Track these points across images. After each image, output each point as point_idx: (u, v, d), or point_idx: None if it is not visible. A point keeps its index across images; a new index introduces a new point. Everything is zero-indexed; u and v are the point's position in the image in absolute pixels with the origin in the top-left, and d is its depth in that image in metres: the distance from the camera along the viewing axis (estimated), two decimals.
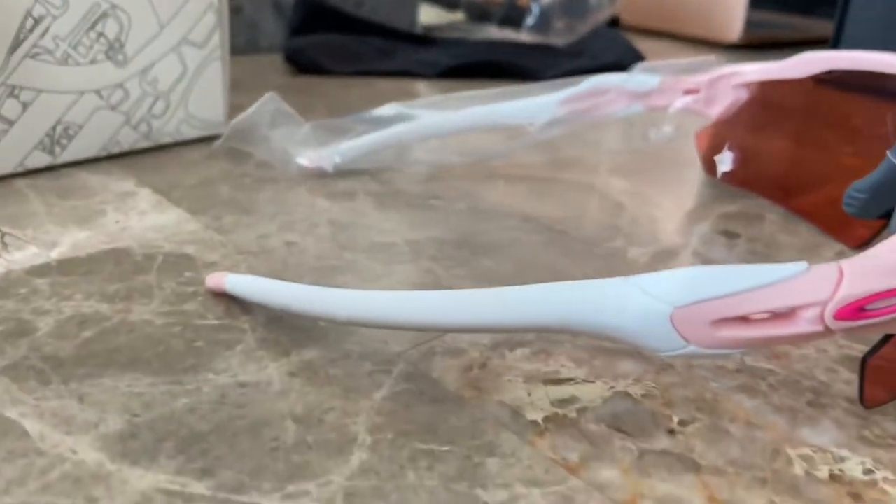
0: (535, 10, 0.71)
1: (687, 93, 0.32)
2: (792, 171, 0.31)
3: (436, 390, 0.17)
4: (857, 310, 0.14)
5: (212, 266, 0.23)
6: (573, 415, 0.17)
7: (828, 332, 0.15)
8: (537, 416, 0.17)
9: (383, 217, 0.27)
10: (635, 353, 0.19)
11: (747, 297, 0.14)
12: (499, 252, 0.25)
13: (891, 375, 0.18)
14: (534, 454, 0.16)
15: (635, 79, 0.32)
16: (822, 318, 0.14)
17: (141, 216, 0.26)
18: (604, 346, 0.20)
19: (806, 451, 0.16)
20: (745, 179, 0.33)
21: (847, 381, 0.19)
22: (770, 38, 0.83)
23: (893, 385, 0.18)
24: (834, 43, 0.57)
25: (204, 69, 0.32)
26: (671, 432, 0.17)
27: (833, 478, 0.16)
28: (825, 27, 0.84)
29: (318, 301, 0.18)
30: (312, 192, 0.29)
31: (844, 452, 0.16)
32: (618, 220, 0.29)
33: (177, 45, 0.31)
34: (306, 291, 0.18)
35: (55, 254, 0.23)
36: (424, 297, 0.17)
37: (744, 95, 0.31)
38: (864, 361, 0.17)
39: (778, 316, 0.15)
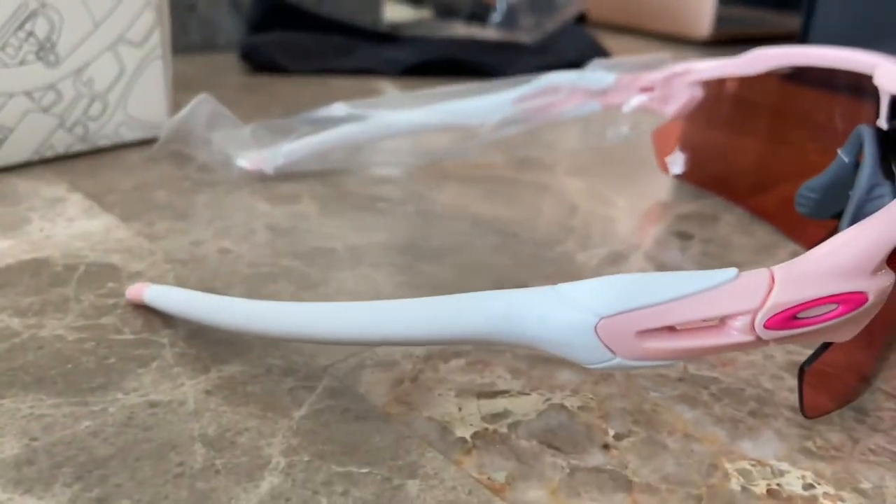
0: (502, 6, 0.70)
1: (642, 90, 0.31)
2: (749, 170, 0.30)
3: (361, 407, 0.17)
4: (789, 318, 0.14)
5: (136, 276, 0.21)
6: (504, 430, 0.16)
7: (759, 341, 0.14)
8: (466, 433, 0.16)
9: (326, 221, 0.26)
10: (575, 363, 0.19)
11: (674, 306, 0.14)
12: (444, 257, 0.24)
13: (835, 382, 0.17)
14: (458, 474, 0.15)
15: (590, 76, 0.32)
16: (752, 327, 0.14)
17: (68, 223, 0.25)
18: (544, 356, 0.19)
19: (744, 464, 0.16)
20: (702, 179, 0.32)
21: (791, 389, 0.18)
22: (740, 34, 0.83)
23: (838, 392, 0.18)
24: (801, 38, 0.57)
25: (143, 69, 0.31)
26: (605, 447, 0.16)
27: (770, 493, 0.15)
28: (796, 22, 0.84)
29: (235, 313, 0.17)
30: (254, 196, 0.28)
31: (784, 466, 0.16)
32: (571, 222, 0.28)
33: (113, 44, 0.30)
34: (225, 303, 0.17)
35: None
36: (341, 309, 0.16)
37: (699, 93, 0.30)
38: (801, 370, 0.16)
39: (707, 325, 0.14)
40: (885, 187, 0.20)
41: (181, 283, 0.21)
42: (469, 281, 0.23)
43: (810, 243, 0.27)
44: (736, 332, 0.14)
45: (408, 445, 0.15)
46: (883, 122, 0.21)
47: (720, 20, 0.80)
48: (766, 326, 0.14)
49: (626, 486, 0.15)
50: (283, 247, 0.24)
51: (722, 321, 0.14)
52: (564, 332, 0.14)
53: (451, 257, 0.24)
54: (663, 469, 0.15)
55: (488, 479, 0.15)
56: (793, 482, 0.15)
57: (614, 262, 0.25)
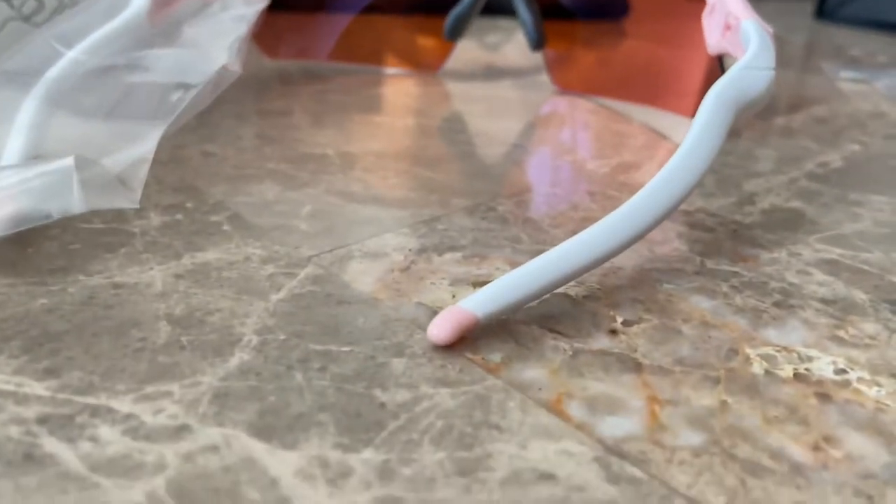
0: None
1: None
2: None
3: (346, 292, 0.15)
4: None
5: None
6: (502, 315, 0.15)
7: None
8: None
9: (318, 132, 0.25)
10: None
11: None
12: (443, 164, 0.23)
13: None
14: (449, 354, 0.13)
15: None
16: None
17: None
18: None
19: (768, 350, 0.14)
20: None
21: (821, 283, 0.17)
22: None
23: None
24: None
25: None
26: (613, 332, 0.14)
27: (798, 377, 0.13)
28: None
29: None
30: (241, 107, 0.27)
31: (813, 352, 0.14)
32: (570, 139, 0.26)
33: None
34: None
35: None
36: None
37: None
38: None
39: None
40: None
41: (159, 182, 0.20)
42: (471, 184, 0.21)
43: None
44: None
45: (395, 327, 0.14)
46: None
47: None
48: None
49: (635, 367, 0.13)
50: (270, 152, 0.23)
51: None
52: None
53: (451, 163, 0.23)
54: (677, 353, 0.14)
55: (483, 359, 0.13)
56: (823, 367, 0.14)
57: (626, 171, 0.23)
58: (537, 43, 0.29)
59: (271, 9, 0.27)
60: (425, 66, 0.33)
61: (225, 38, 0.22)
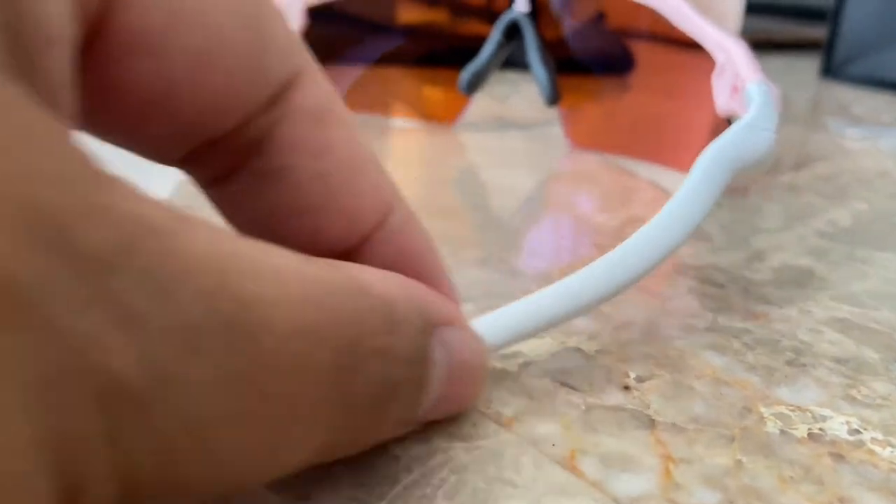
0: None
1: None
2: None
3: None
4: None
5: None
6: (514, 369, 0.15)
7: None
8: None
9: None
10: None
11: None
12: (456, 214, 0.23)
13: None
14: None
15: None
16: None
17: None
18: None
19: (781, 409, 0.14)
20: None
21: (832, 342, 0.17)
22: (764, 40, 0.81)
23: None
24: (828, 47, 0.56)
25: None
26: (626, 388, 0.14)
27: (812, 437, 0.13)
28: (822, 32, 0.83)
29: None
30: None
31: (826, 412, 0.14)
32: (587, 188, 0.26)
33: None
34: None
35: None
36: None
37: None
38: None
39: None
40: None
41: None
42: (483, 236, 0.21)
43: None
44: None
45: None
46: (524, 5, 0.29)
47: (745, 31, 0.79)
48: None
49: (649, 424, 0.13)
50: None
51: None
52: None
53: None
54: (690, 410, 0.14)
55: (496, 412, 0.13)
56: (836, 427, 0.14)
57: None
58: (552, 99, 0.30)
59: None
60: (440, 118, 0.34)
61: None
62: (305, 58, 0.11)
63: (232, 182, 0.12)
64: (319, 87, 0.11)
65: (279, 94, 0.11)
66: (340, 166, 0.11)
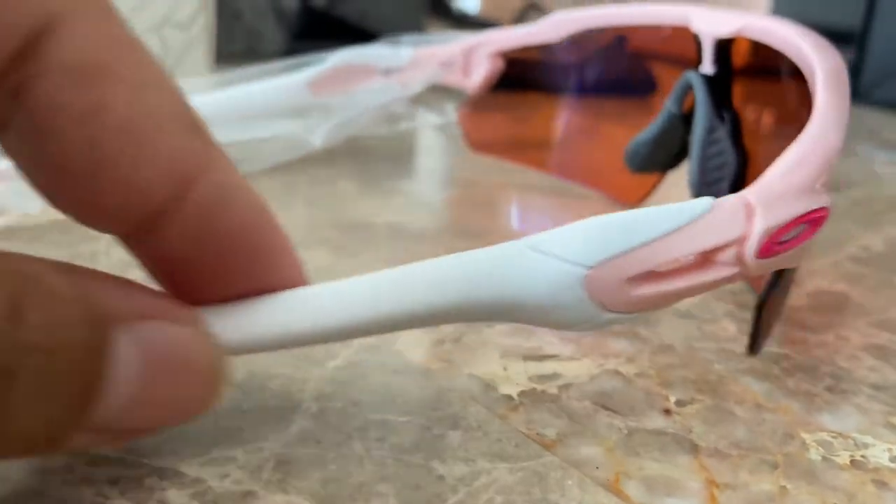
0: None
1: (442, 66, 0.28)
2: (554, 137, 0.28)
3: (399, 361, 0.15)
4: (775, 243, 0.13)
5: None
6: (553, 391, 0.15)
7: (745, 272, 0.13)
8: (512, 391, 0.15)
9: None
10: (630, 331, 0.17)
11: (658, 245, 0.12)
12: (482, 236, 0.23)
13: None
14: (504, 428, 0.13)
15: (384, 52, 0.29)
16: (740, 257, 0.13)
17: None
18: None
19: (823, 436, 0.14)
20: (512, 153, 0.29)
21: (871, 368, 0.17)
22: None
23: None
24: (854, 70, 0.56)
25: (188, 53, 0.31)
26: (667, 412, 0.14)
27: (854, 464, 0.13)
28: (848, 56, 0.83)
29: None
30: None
31: (868, 439, 0.14)
32: None
33: (158, 26, 0.30)
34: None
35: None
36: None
37: (500, 65, 0.27)
38: (759, 307, 0.15)
39: (689, 263, 0.13)
40: (722, 130, 0.20)
41: None
42: None
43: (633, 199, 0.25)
44: (724, 266, 0.13)
45: (449, 398, 0.14)
46: (708, 68, 0.21)
47: None
48: (757, 256, 0.13)
49: (692, 449, 0.13)
50: (321, 219, 0.23)
51: (705, 256, 0.13)
52: (550, 290, 0.12)
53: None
54: (732, 435, 0.14)
55: (538, 434, 0.13)
56: (879, 454, 0.14)
57: None
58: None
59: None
60: (628, 197, 0.26)
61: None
62: (69, 2, 0.10)
63: (6, 135, 0.10)
64: (88, 37, 0.10)
65: (27, 47, 0.09)
66: (116, 132, 0.10)
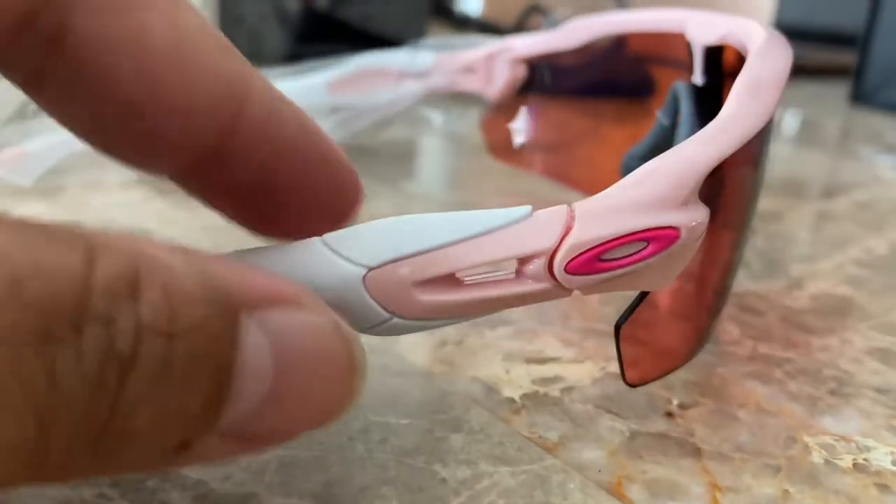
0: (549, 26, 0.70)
1: (465, 71, 0.28)
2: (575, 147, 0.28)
3: (401, 364, 0.15)
4: (592, 259, 0.12)
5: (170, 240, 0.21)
6: (556, 394, 0.15)
7: (561, 289, 0.12)
8: (514, 394, 0.15)
9: None
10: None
11: (454, 250, 0.11)
12: None
13: (658, 342, 0.15)
14: (507, 431, 0.13)
15: (409, 57, 0.29)
16: (548, 271, 0.12)
17: (106, 194, 0.24)
18: (598, 328, 0.17)
19: (826, 439, 0.14)
20: (533, 162, 0.29)
21: (874, 372, 0.17)
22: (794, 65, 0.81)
23: (663, 354, 0.15)
24: (857, 72, 0.56)
25: None
26: (669, 415, 0.14)
27: (857, 467, 0.13)
28: (852, 58, 0.83)
29: None
30: None
31: (870, 442, 0.14)
32: None
33: None
34: None
35: None
36: None
37: (522, 72, 0.27)
38: (617, 328, 0.14)
39: (498, 274, 0.12)
40: None
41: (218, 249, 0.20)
42: None
43: None
44: (529, 279, 0.12)
45: (451, 401, 0.14)
46: (698, 77, 0.20)
47: None
48: (567, 270, 0.12)
49: (695, 452, 0.13)
50: None
51: (518, 267, 0.12)
52: (333, 288, 0.11)
53: None
54: (735, 439, 0.14)
55: (540, 437, 0.13)
56: (881, 458, 0.13)
57: None
58: None
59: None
60: None
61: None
62: None
63: (47, 87, 0.10)
64: None
65: None
66: (162, 55, 0.09)
